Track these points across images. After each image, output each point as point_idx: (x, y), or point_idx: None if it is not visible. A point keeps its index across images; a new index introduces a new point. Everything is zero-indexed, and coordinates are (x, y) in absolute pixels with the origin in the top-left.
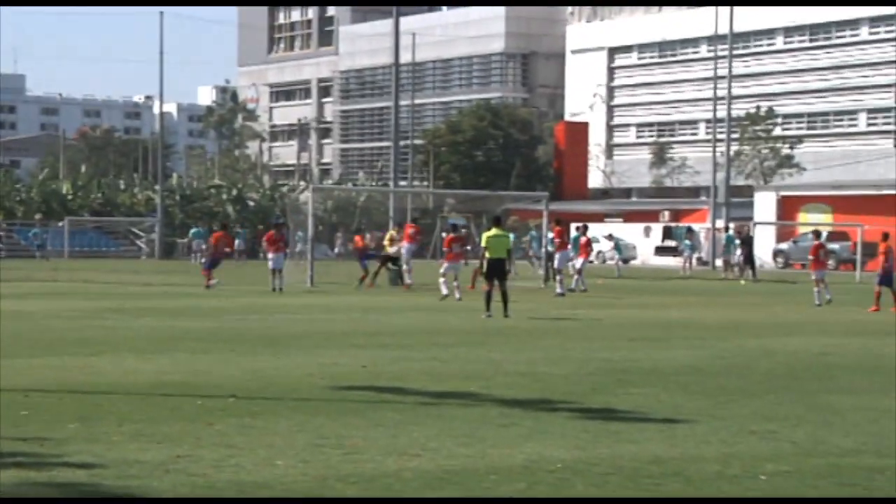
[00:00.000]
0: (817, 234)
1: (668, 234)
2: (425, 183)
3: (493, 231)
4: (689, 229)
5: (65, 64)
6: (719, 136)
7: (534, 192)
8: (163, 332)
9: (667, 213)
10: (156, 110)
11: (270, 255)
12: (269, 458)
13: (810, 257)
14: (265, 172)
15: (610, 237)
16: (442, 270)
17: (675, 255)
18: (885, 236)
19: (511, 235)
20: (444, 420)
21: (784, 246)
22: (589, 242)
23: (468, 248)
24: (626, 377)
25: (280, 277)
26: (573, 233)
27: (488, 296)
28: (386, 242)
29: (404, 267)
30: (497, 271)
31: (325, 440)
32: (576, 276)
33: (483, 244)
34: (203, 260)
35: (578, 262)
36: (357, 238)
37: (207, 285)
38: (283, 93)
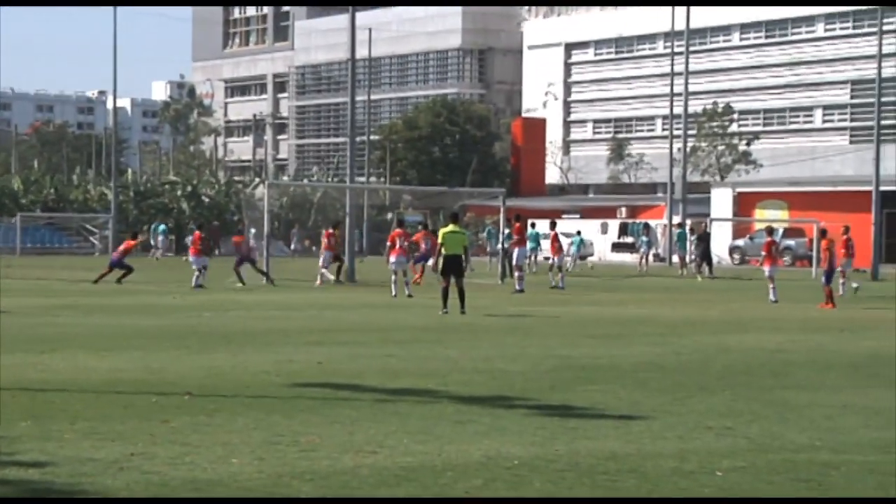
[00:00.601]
0: (770, 230)
1: (624, 230)
2: (382, 179)
3: (450, 227)
4: (646, 225)
5: (17, 58)
6: (676, 133)
7: (491, 188)
8: (116, 329)
9: (624, 210)
10: (109, 105)
11: (191, 258)
12: (225, 455)
13: (763, 253)
14: (220, 168)
15: (578, 234)
16: (391, 266)
17: (631, 252)
18: (846, 230)
19: (467, 232)
20: (400, 417)
21: (740, 242)
22: (557, 238)
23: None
24: (584, 374)
25: (202, 275)
26: (529, 229)
27: (445, 292)
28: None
29: (322, 270)
30: (453, 268)
31: (280, 437)
32: (559, 275)
33: (439, 241)
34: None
35: (557, 260)
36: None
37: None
38: (239, 88)
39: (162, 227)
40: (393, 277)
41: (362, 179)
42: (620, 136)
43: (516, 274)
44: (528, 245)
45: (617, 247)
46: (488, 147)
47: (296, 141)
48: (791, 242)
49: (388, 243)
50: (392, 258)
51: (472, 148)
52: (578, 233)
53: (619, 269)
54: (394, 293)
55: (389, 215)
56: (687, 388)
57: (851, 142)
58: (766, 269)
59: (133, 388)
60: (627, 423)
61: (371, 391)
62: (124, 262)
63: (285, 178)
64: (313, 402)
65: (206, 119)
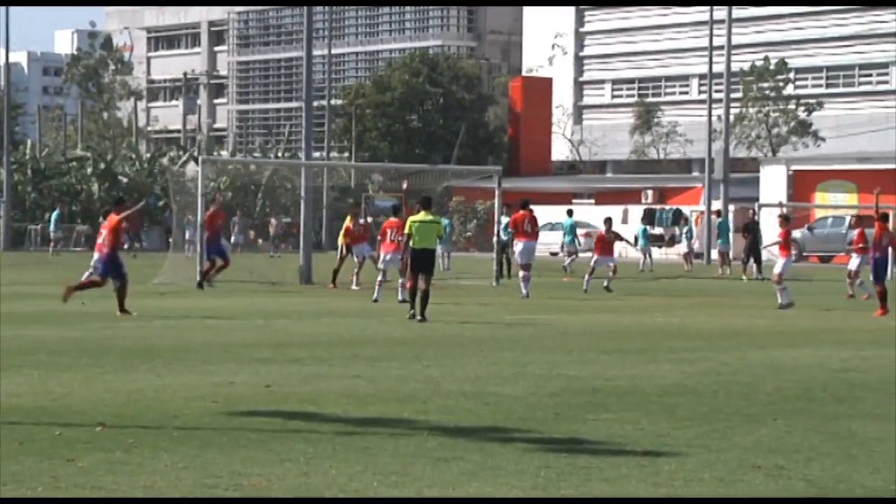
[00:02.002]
0: (860, 218)
1: (651, 218)
2: (346, 154)
3: (421, 215)
4: (678, 213)
5: None
6: (716, 96)
7: (483, 166)
8: (11, 343)
9: (650, 193)
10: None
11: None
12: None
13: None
14: (142, 140)
15: (569, 214)
16: (380, 264)
17: (660, 246)
18: (885, 217)
19: (444, 221)
20: (369, 454)
21: (797, 234)
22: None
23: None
24: (597, 399)
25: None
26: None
27: (412, 293)
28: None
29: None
30: (423, 264)
31: (217, 480)
32: (585, 276)
33: (406, 230)
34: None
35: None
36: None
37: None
38: (165, 39)
39: (56, 213)
40: (379, 278)
41: (320, 155)
42: (647, 99)
43: (521, 274)
44: (565, 238)
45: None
46: (480, 114)
47: (237, 106)
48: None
49: (379, 236)
50: (384, 254)
51: (460, 115)
52: (570, 213)
53: (648, 269)
54: (375, 296)
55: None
56: (728, 417)
57: None
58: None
59: (30, 417)
60: (653, 461)
61: (332, 421)
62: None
63: (224, 152)
64: (259, 436)
65: (124, 78)
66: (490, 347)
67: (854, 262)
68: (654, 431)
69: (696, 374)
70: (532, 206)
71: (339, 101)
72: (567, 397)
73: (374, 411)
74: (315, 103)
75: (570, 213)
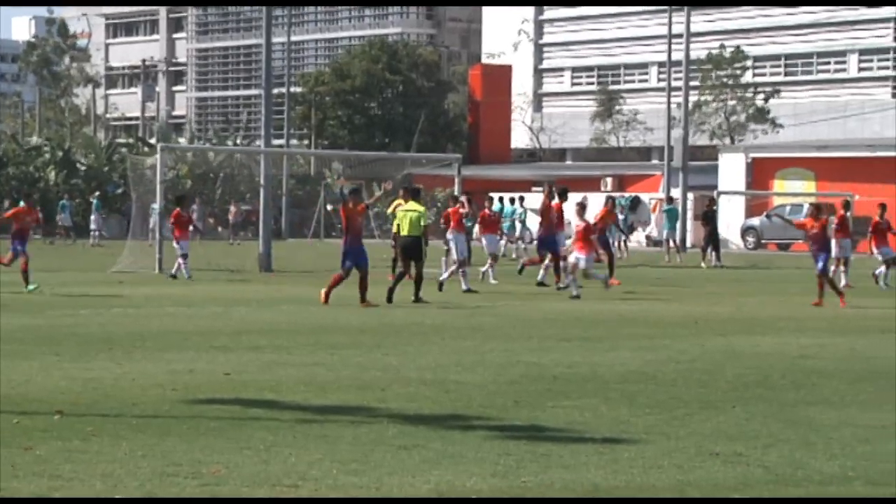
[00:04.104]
0: (846, 204)
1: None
2: (305, 142)
3: (410, 205)
4: (635, 200)
5: None
6: (676, 84)
7: (443, 153)
8: None
9: (610, 181)
10: None
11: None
12: (106, 490)
13: (833, 226)
14: (100, 128)
15: (514, 202)
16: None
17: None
18: (883, 208)
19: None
20: (328, 442)
21: (755, 221)
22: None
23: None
24: (557, 386)
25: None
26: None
27: (400, 277)
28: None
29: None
30: (412, 251)
31: (177, 468)
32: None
33: (396, 220)
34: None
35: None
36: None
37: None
38: (123, 26)
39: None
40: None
41: (280, 143)
42: (607, 87)
43: (486, 267)
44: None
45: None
46: (439, 101)
47: (196, 94)
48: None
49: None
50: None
51: (419, 103)
52: (514, 201)
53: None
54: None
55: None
56: (687, 404)
57: (894, 95)
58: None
59: None
60: (613, 449)
61: (292, 409)
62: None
63: (183, 140)
64: (219, 424)
65: (82, 65)
66: (451, 335)
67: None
68: (614, 418)
69: (656, 361)
70: (492, 195)
71: (299, 89)
72: (527, 385)
73: (333, 399)
74: (274, 91)
75: (512, 201)
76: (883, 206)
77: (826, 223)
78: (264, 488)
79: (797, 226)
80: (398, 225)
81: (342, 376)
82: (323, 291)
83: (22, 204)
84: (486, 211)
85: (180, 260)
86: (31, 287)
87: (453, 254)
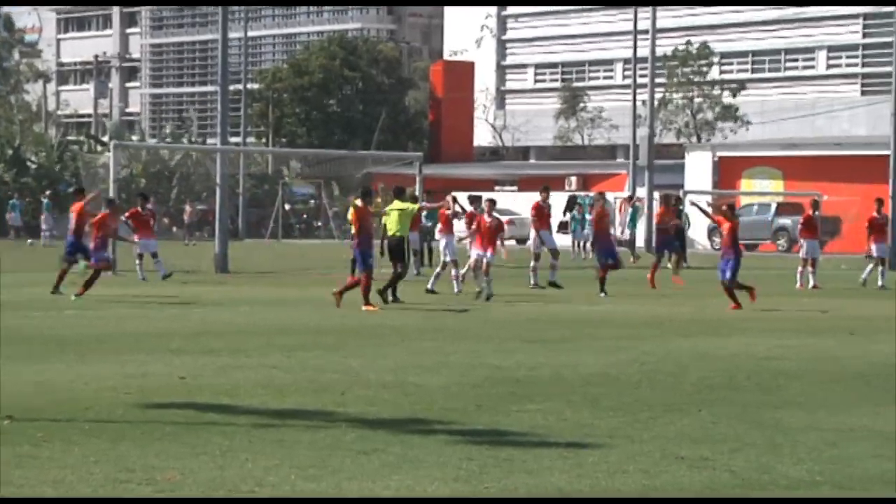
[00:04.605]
0: (815, 204)
1: (572, 204)
2: (263, 140)
3: (395, 204)
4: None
5: None
6: (641, 81)
7: (404, 152)
8: None
9: (574, 180)
10: None
11: None
12: (57, 497)
13: (800, 226)
14: (51, 125)
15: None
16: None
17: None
18: (880, 203)
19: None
20: (286, 446)
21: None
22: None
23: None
24: (520, 389)
25: None
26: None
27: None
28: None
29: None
30: (396, 252)
31: (130, 474)
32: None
33: (384, 220)
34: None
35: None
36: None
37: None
38: (75, 21)
39: None
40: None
41: (237, 141)
42: (571, 84)
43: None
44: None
45: (563, 226)
46: (400, 99)
47: (151, 90)
48: (787, 221)
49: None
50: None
51: (379, 100)
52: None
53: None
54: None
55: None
56: (652, 407)
57: (863, 93)
58: (804, 246)
59: None
60: (577, 453)
61: (248, 413)
62: None
63: (136, 138)
64: (174, 428)
65: (32, 61)
66: (412, 337)
67: (804, 248)
68: (578, 422)
69: (620, 363)
70: (455, 194)
71: (256, 86)
72: (489, 387)
73: (291, 403)
74: (231, 87)
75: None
76: (880, 201)
77: (736, 226)
78: (220, 493)
79: (715, 221)
80: (384, 225)
81: (300, 379)
82: (363, 306)
83: None
84: (446, 210)
85: (138, 260)
86: None
87: (445, 255)
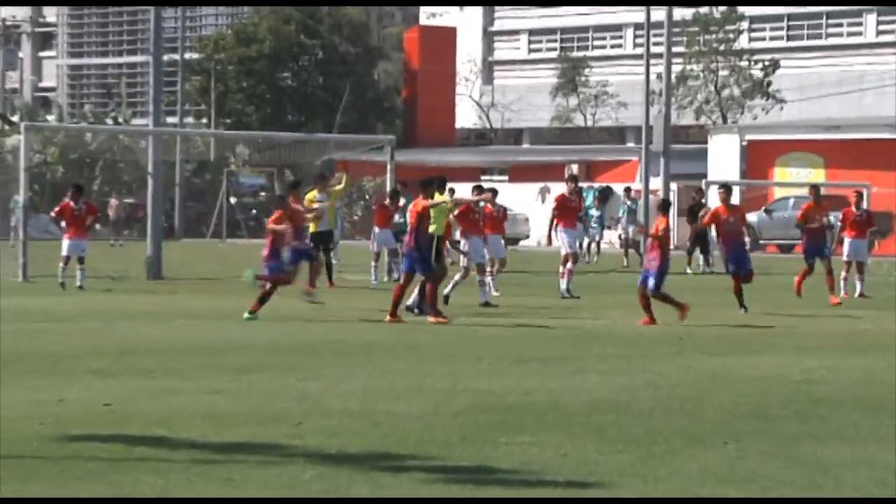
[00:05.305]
0: (860, 196)
1: (606, 196)
2: (204, 121)
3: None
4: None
5: None
6: (655, 50)
7: (372, 134)
8: None
9: (575, 168)
10: None
11: None
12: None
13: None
14: None
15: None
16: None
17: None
18: (860, 195)
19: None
20: (232, 486)
21: (753, 217)
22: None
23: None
24: (511, 418)
25: None
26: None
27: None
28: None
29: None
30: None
31: None
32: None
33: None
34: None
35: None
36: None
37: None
38: None
39: None
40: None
41: (173, 121)
42: (571, 54)
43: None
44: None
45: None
46: (367, 71)
47: (69, 61)
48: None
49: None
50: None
51: (343, 72)
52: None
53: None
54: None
55: (209, 176)
56: (668, 440)
57: None
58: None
59: None
60: (578, 493)
61: (187, 447)
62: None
63: (51, 117)
64: (97, 465)
65: None
66: (381, 356)
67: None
68: (580, 457)
69: (630, 387)
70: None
71: (195, 56)
72: (474, 416)
73: (237, 435)
74: (165, 58)
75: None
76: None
77: (667, 225)
78: None
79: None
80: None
81: (248, 407)
82: (387, 318)
83: None
84: (489, 206)
85: (61, 264)
86: None
87: (471, 259)
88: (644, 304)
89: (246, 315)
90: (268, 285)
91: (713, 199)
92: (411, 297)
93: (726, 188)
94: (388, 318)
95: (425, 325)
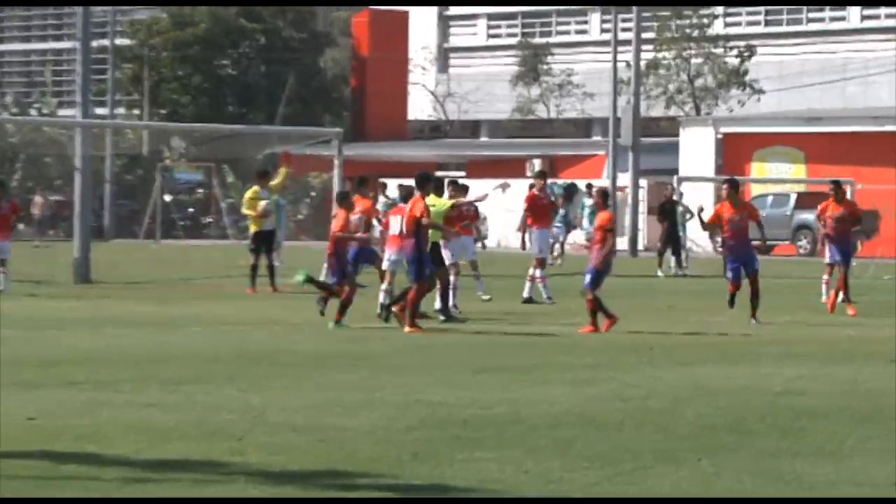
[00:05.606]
0: (838, 186)
1: (571, 193)
2: (136, 112)
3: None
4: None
5: None
6: (623, 36)
7: (318, 126)
8: None
9: (538, 163)
10: None
11: None
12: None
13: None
14: None
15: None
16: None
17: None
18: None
19: (277, 198)
20: None
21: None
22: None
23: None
24: (468, 432)
25: None
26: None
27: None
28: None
29: None
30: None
31: None
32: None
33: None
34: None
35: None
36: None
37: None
38: None
39: None
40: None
41: (103, 112)
42: (533, 40)
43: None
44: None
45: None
46: (313, 59)
47: None
48: (809, 216)
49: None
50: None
51: (286, 59)
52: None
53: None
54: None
55: (141, 172)
56: (638, 456)
57: None
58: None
59: None
60: None
61: (120, 464)
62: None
63: None
64: (21, 484)
65: None
66: (329, 366)
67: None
68: (543, 475)
69: (598, 398)
70: (385, 181)
71: (127, 42)
72: (429, 431)
73: (174, 451)
74: (94, 43)
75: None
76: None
77: (612, 218)
78: None
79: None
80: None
81: (185, 420)
82: (407, 328)
83: None
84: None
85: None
86: None
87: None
88: (591, 308)
89: (330, 324)
90: (344, 293)
91: (687, 197)
92: (383, 296)
93: (731, 184)
94: (406, 328)
95: (377, 333)
